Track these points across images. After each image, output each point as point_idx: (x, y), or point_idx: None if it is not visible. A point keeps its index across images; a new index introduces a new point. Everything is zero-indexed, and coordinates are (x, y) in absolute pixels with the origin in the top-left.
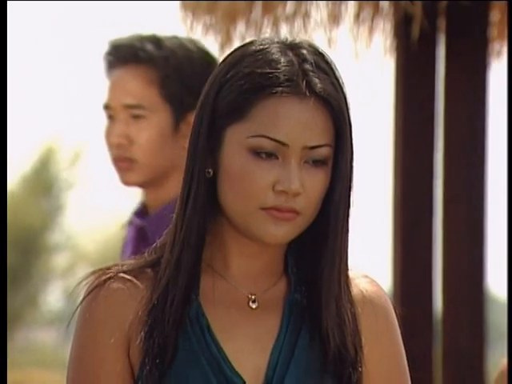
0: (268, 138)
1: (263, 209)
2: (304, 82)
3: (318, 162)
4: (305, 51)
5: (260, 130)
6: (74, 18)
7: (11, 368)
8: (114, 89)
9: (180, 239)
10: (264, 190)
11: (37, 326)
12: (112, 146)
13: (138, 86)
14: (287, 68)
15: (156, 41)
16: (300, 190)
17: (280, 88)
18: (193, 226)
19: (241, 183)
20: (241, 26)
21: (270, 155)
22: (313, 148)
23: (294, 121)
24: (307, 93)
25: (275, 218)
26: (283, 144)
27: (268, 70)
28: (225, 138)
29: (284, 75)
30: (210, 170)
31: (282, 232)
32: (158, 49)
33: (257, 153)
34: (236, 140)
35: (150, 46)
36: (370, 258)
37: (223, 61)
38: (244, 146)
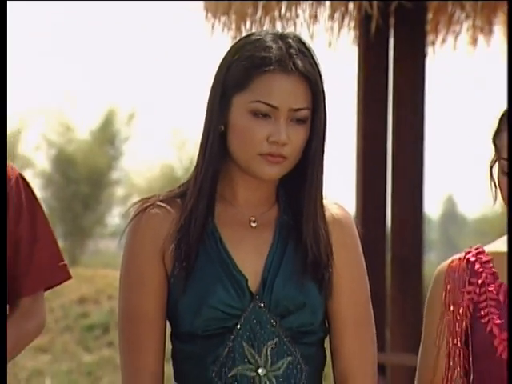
0: (264, 103)
1: (260, 155)
2: (290, 62)
3: (300, 121)
4: (290, 40)
5: (258, 97)
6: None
7: (85, 268)
8: None
9: (200, 177)
10: (261, 141)
11: (103, 238)
12: None
13: None
14: (277, 52)
15: None
16: (287, 141)
17: (272, 67)
18: (209, 167)
19: (244, 136)
20: (247, 24)
21: (265, 116)
22: (296, 110)
23: (282, 90)
24: (292, 70)
25: (269, 161)
26: (274, 107)
27: (263, 54)
28: (232, 103)
29: (275, 57)
30: (221, 127)
31: (274, 171)
32: None
33: (255, 114)
34: (240, 105)
35: None
36: (339, 190)
37: (232, 47)
38: (246, 109)
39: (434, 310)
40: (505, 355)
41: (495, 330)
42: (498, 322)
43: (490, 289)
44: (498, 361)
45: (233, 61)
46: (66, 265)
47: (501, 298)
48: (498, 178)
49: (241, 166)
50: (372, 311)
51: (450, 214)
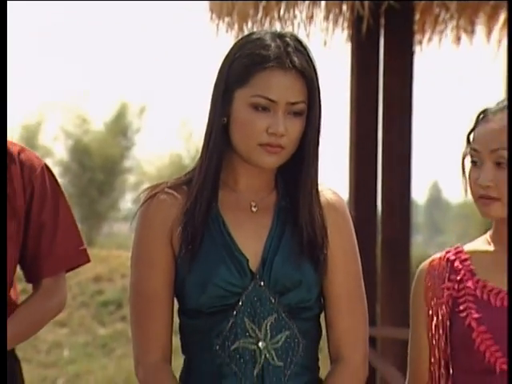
0: (263, 97)
1: (260, 145)
2: (287, 60)
3: (296, 114)
4: (288, 39)
5: (258, 92)
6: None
7: (100, 249)
8: None
9: (205, 165)
10: (260, 132)
11: (116, 221)
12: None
13: None
14: (276, 50)
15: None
16: (284, 133)
17: (271, 63)
18: (213, 156)
19: (245, 128)
20: (249, 24)
21: (265, 109)
22: (293, 104)
23: (280, 85)
24: (289, 67)
25: (268, 151)
26: (273, 101)
27: (263, 52)
28: (234, 97)
29: (274, 55)
30: (224, 119)
31: (273, 160)
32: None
33: (255, 107)
34: (242, 99)
35: None
36: (333, 177)
37: (234, 45)
38: (247, 102)
39: (417, 306)
40: (482, 348)
41: (473, 324)
42: (476, 316)
43: (468, 285)
44: (475, 353)
45: (235, 58)
46: (85, 249)
47: (478, 293)
48: (468, 170)
49: (242, 155)
50: (363, 288)
51: (435, 200)
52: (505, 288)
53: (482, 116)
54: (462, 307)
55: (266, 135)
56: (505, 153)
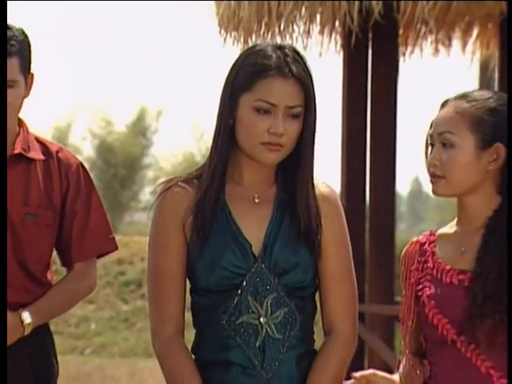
0: (265, 101)
1: (262, 144)
2: (287, 69)
3: (294, 116)
4: (287, 50)
5: (260, 97)
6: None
7: (122, 235)
8: None
9: (214, 162)
10: (262, 132)
11: (137, 211)
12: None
13: None
14: (276, 60)
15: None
16: (284, 132)
17: (272, 72)
18: (221, 153)
19: (249, 128)
20: (253, 38)
21: (266, 112)
22: (291, 107)
23: (280, 91)
24: (288, 75)
25: (269, 149)
26: (274, 105)
27: (265, 61)
28: (239, 102)
29: (274, 64)
30: (230, 121)
31: (273, 157)
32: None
33: (258, 110)
34: (246, 103)
35: None
36: (328, 172)
37: (239, 56)
38: (251, 106)
39: (402, 287)
40: (435, 322)
41: (426, 301)
42: (428, 292)
43: (428, 265)
44: (431, 327)
45: (240, 67)
46: (114, 237)
47: (434, 272)
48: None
49: (246, 152)
50: (353, 269)
51: (417, 192)
52: (456, 266)
53: (441, 105)
54: (421, 286)
55: (268, 135)
56: (449, 135)
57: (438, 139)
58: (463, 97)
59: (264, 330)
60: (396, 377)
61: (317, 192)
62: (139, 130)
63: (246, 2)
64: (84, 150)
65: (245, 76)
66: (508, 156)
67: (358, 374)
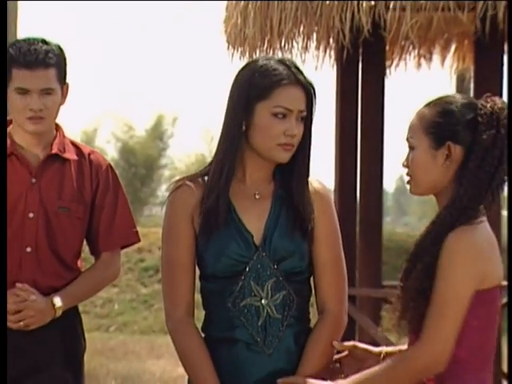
0: (282, 107)
1: (279, 145)
2: (295, 78)
3: (301, 119)
4: (288, 63)
5: (279, 103)
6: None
7: (142, 227)
8: None
9: (224, 162)
10: (279, 135)
11: (155, 205)
12: None
13: None
14: (285, 71)
15: None
16: (296, 134)
17: (285, 81)
18: (233, 155)
19: (267, 131)
20: (257, 53)
21: (283, 116)
22: (301, 111)
23: (294, 97)
24: (297, 83)
25: (285, 149)
26: (290, 110)
27: (277, 73)
28: (256, 109)
29: (285, 75)
30: (244, 126)
31: (287, 156)
32: None
33: (276, 115)
34: (264, 110)
35: None
36: (323, 171)
37: (245, 70)
38: (269, 112)
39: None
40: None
41: None
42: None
43: None
44: None
45: (252, 80)
46: (137, 231)
47: None
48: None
49: (261, 153)
50: (343, 256)
51: (401, 189)
52: None
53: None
54: None
55: (283, 137)
56: (411, 139)
57: (407, 143)
58: (428, 103)
59: (265, 311)
60: (378, 349)
61: (310, 188)
62: (157, 134)
63: (251, 22)
64: (108, 151)
65: (261, 86)
66: (508, 156)
67: (338, 344)
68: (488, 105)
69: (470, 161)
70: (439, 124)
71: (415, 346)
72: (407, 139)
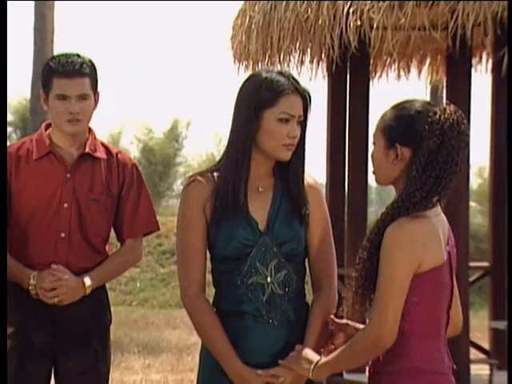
0: (286, 113)
1: (283, 145)
2: (295, 87)
3: (299, 123)
4: (287, 74)
5: (284, 110)
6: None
7: (160, 216)
8: None
9: (237, 160)
10: (284, 136)
11: (171, 198)
12: None
13: None
14: (287, 82)
15: None
16: (296, 135)
17: (288, 91)
18: (244, 154)
19: (274, 134)
20: (259, 66)
21: (286, 121)
22: (300, 116)
23: (296, 105)
24: (297, 92)
25: (288, 149)
26: (292, 115)
27: (280, 84)
28: (264, 115)
29: (287, 85)
30: (253, 130)
31: (289, 154)
32: None
33: (281, 120)
34: (271, 116)
35: None
36: (316, 168)
37: (255, 79)
38: (275, 117)
39: None
40: None
41: None
42: None
43: None
44: None
45: (260, 90)
46: (157, 221)
47: None
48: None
49: (268, 152)
50: (333, 241)
51: None
52: None
53: None
54: None
55: (287, 138)
56: (374, 137)
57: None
58: (392, 106)
59: (269, 288)
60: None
61: (305, 182)
62: (173, 136)
63: (254, 39)
64: (131, 151)
65: (268, 96)
66: (509, 156)
67: (334, 318)
68: (438, 114)
69: (414, 163)
70: (392, 127)
71: (366, 326)
72: (372, 136)
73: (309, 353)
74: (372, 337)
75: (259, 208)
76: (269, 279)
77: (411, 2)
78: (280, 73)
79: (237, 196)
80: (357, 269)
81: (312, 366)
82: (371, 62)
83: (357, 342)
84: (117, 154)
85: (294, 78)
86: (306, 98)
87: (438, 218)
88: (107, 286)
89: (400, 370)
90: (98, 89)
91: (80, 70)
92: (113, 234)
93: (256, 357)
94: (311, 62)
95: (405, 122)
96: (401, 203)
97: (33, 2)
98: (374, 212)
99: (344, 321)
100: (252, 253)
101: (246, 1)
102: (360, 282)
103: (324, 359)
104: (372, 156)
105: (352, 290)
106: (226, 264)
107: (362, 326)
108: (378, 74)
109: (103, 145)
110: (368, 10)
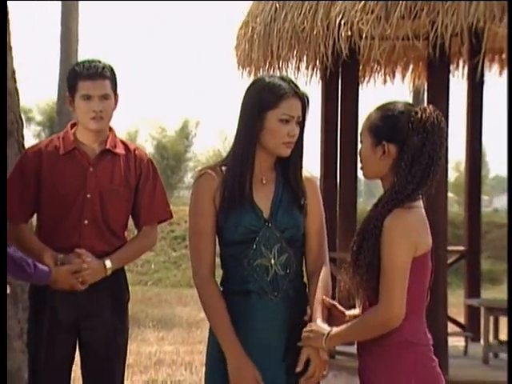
0: (287, 114)
1: (284, 143)
2: (295, 91)
3: (298, 123)
4: (287, 79)
5: (285, 112)
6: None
7: (172, 206)
8: None
9: (243, 156)
10: (285, 135)
11: (182, 189)
12: None
13: None
14: (287, 86)
15: None
16: (295, 134)
17: (289, 94)
18: (250, 151)
19: (276, 133)
20: (261, 71)
21: (287, 121)
22: (299, 117)
23: (295, 107)
24: (297, 95)
25: (288, 146)
26: (292, 116)
27: (281, 87)
28: (267, 116)
29: (288, 88)
30: (257, 129)
31: (289, 151)
32: None
33: (282, 121)
34: (274, 117)
35: None
36: (313, 164)
37: (255, 87)
38: (277, 118)
39: None
40: None
41: None
42: None
43: None
44: None
45: (264, 92)
46: (171, 210)
47: None
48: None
49: (270, 149)
50: (325, 228)
51: None
52: None
53: None
54: None
55: (287, 137)
56: (361, 136)
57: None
58: (377, 108)
59: (273, 269)
60: (348, 312)
61: (303, 176)
62: (184, 134)
63: (256, 48)
64: (146, 148)
65: (270, 98)
66: (508, 156)
67: (325, 297)
68: (419, 113)
69: (401, 159)
70: (378, 126)
71: (376, 307)
72: (360, 135)
73: (319, 325)
74: (382, 316)
75: (263, 198)
76: (272, 261)
77: (396, 14)
78: (281, 78)
79: (243, 187)
80: (357, 257)
81: (324, 337)
82: (360, 68)
83: (367, 318)
84: (134, 150)
85: (293, 83)
86: (304, 101)
87: (422, 208)
88: (125, 267)
89: (392, 343)
90: (117, 91)
91: (102, 73)
92: (131, 221)
93: (261, 331)
94: (307, 68)
95: (390, 121)
96: (395, 196)
97: (59, 16)
98: (362, 202)
99: (333, 302)
100: (257, 238)
101: (251, 1)
102: (362, 270)
103: (334, 331)
104: (360, 153)
105: (350, 275)
106: (234, 248)
107: (347, 312)
108: (366, 79)
109: (122, 142)
110: (358, 22)
